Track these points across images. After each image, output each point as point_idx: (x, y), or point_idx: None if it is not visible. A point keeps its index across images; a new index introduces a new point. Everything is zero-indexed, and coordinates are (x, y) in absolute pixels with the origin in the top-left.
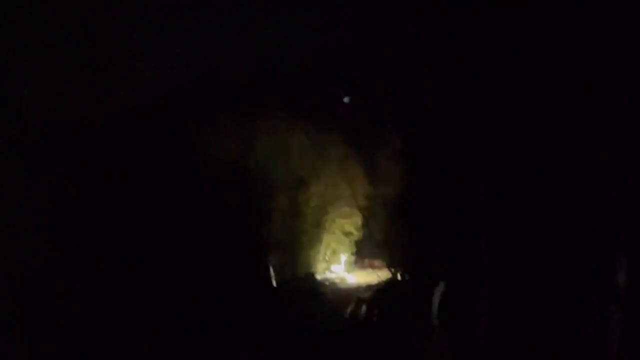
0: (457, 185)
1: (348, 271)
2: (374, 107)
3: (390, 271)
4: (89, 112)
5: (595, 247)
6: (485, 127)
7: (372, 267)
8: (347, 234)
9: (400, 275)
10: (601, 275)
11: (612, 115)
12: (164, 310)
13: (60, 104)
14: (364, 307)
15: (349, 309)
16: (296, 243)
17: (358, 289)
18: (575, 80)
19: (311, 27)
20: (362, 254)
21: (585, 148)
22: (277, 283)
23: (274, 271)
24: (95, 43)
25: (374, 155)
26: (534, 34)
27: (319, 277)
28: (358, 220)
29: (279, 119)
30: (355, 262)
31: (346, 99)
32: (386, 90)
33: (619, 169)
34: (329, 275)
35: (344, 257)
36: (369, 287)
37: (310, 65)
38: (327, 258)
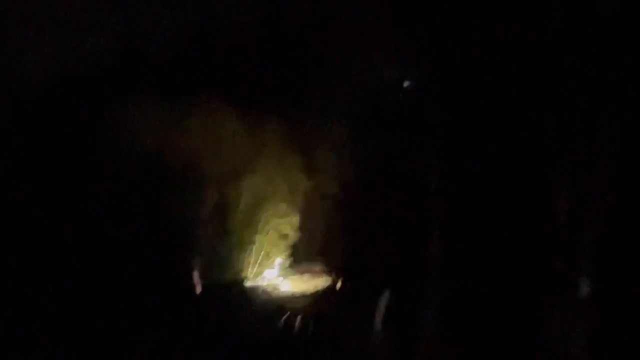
0: (404, 180)
1: (283, 277)
2: (318, 95)
3: (330, 277)
4: None
5: (554, 248)
6: (440, 123)
7: (311, 272)
8: (283, 236)
9: (342, 282)
10: (561, 278)
11: None
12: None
13: None
14: (298, 318)
15: (281, 320)
16: (224, 245)
17: (293, 298)
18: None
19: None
20: (300, 258)
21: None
22: (200, 290)
23: (197, 276)
24: None
25: (314, 147)
26: None
27: (248, 283)
28: (295, 220)
29: (209, 102)
30: (292, 267)
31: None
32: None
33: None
34: (260, 281)
35: (278, 260)
36: (305, 296)
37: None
38: (259, 262)
